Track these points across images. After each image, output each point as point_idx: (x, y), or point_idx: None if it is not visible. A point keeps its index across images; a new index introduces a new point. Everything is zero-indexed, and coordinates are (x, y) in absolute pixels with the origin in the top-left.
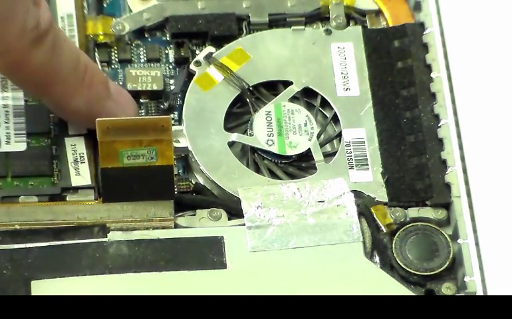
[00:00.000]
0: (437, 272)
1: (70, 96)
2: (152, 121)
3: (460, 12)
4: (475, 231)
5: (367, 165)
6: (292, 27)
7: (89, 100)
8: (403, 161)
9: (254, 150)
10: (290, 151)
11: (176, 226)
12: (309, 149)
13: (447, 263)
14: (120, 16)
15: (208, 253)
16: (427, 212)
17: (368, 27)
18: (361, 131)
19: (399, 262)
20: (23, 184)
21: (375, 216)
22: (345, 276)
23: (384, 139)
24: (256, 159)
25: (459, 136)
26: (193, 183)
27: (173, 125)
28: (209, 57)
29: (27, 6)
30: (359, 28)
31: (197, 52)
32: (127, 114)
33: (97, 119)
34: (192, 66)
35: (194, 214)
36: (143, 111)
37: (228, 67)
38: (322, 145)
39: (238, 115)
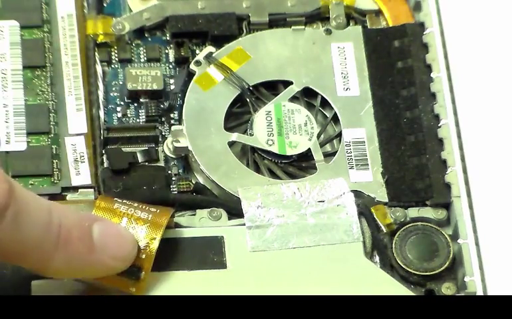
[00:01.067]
0: (437, 272)
1: (46, 262)
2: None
3: (460, 12)
4: (475, 231)
5: (367, 165)
6: (292, 27)
7: (68, 261)
8: (403, 161)
9: (254, 150)
10: (290, 151)
11: (176, 226)
12: (309, 149)
13: (447, 263)
14: (120, 16)
15: (208, 253)
16: (427, 212)
17: (368, 27)
18: (361, 131)
19: (399, 262)
20: (23, 184)
21: (375, 216)
22: (345, 276)
23: (384, 139)
24: (256, 159)
25: (459, 136)
26: (193, 183)
27: (173, 125)
28: (209, 57)
29: None
30: (359, 28)
31: (197, 52)
32: (120, 259)
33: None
34: (192, 66)
35: (194, 214)
36: (143, 111)
37: (228, 67)
38: (322, 145)
39: (238, 115)
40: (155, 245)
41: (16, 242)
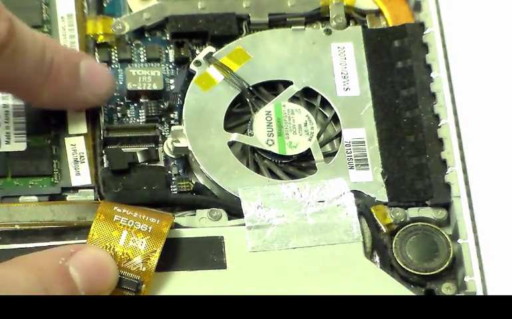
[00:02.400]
0: (437, 272)
1: (35, 94)
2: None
3: (460, 12)
4: (475, 231)
5: (367, 165)
6: (292, 27)
7: (55, 94)
8: (403, 161)
9: (254, 150)
10: (290, 151)
11: (176, 226)
12: (309, 149)
13: (447, 263)
14: (120, 16)
15: (208, 253)
16: (427, 212)
17: (368, 27)
18: (361, 131)
19: (399, 262)
20: (23, 184)
21: (375, 216)
22: (345, 276)
23: (384, 139)
24: (256, 159)
25: (459, 136)
26: (193, 183)
27: (173, 125)
28: (209, 57)
29: None
30: (359, 28)
31: (197, 52)
32: (99, 97)
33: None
34: (192, 66)
35: (194, 214)
36: (143, 111)
37: (228, 67)
38: (322, 145)
39: (238, 115)
40: (155, 258)
41: (12, 74)
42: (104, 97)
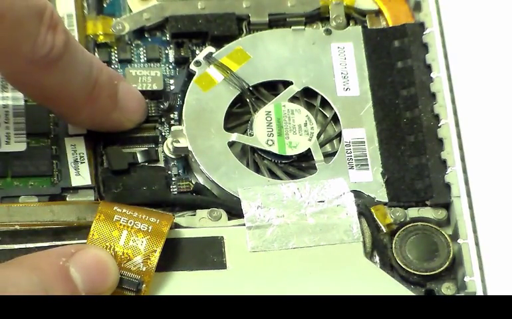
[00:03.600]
0: (437, 272)
1: (75, 112)
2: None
3: (460, 12)
4: (475, 231)
5: (367, 165)
6: (292, 27)
7: (93, 114)
8: (403, 161)
9: (254, 150)
10: (290, 151)
11: (176, 226)
12: (309, 149)
13: (447, 263)
14: (120, 16)
15: (208, 253)
16: (427, 212)
17: (368, 27)
18: (361, 131)
19: (399, 262)
20: (23, 184)
21: (375, 216)
22: (345, 276)
23: (384, 139)
24: (256, 159)
25: (459, 136)
26: (193, 183)
27: (173, 125)
28: (209, 57)
29: (34, 35)
30: (359, 28)
31: (197, 52)
32: (133, 121)
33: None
34: (192, 66)
35: (194, 214)
36: None
37: (228, 67)
38: (322, 145)
39: (238, 115)
40: (155, 258)
41: (59, 88)
42: (137, 122)
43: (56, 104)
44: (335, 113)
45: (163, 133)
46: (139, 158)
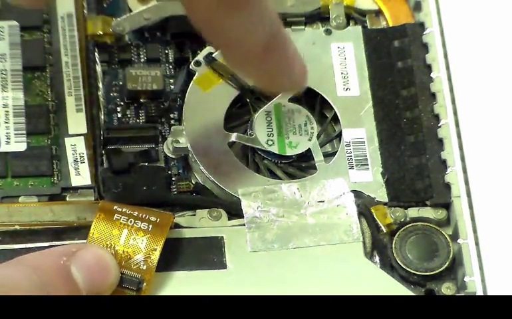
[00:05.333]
0: (437, 272)
1: (248, 61)
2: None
3: (460, 12)
4: (475, 231)
5: (367, 165)
6: (292, 27)
7: (264, 66)
8: (403, 161)
9: (254, 150)
10: (290, 151)
11: (176, 226)
12: (309, 149)
13: (447, 263)
14: (120, 17)
15: (208, 253)
16: (427, 212)
17: (368, 27)
18: (361, 131)
19: (399, 262)
20: (23, 184)
21: (375, 216)
22: (345, 276)
23: (384, 139)
24: (256, 159)
25: (459, 136)
26: (193, 183)
27: (173, 125)
28: (209, 57)
29: None
30: (359, 28)
31: (197, 52)
32: (297, 85)
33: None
34: (192, 66)
35: (194, 215)
36: (143, 111)
37: (228, 67)
38: (322, 145)
39: (238, 115)
40: (155, 256)
41: (238, 34)
42: (300, 87)
43: (234, 50)
44: (335, 113)
45: (163, 133)
46: (140, 158)
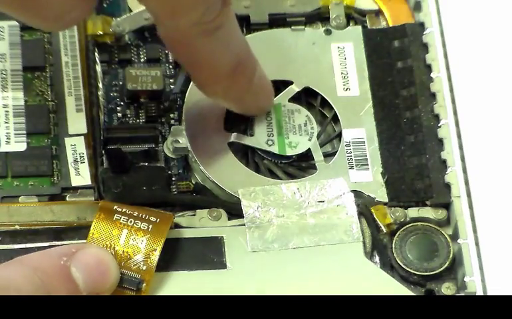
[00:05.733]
0: (437, 272)
1: (213, 82)
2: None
3: (460, 12)
4: (475, 231)
5: (367, 165)
6: (292, 27)
7: (229, 90)
8: (403, 161)
9: (254, 150)
10: (290, 151)
11: (176, 226)
12: (309, 149)
13: (447, 263)
14: (120, 16)
15: (208, 253)
16: (427, 212)
17: (368, 27)
18: (361, 131)
19: (399, 262)
20: (23, 184)
21: (375, 216)
22: (345, 276)
23: (384, 139)
24: (256, 159)
25: (459, 136)
26: (193, 183)
27: (173, 125)
28: None
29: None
30: (359, 28)
31: None
32: (261, 109)
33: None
34: None
35: (194, 215)
36: (143, 111)
37: None
38: (322, 145)
39: (238, 115)
40: (155, 256)
41: (208, 56)
42: (265, 110)
43: (200, 70)
44: (335, 113)
45: (163, 133)
46: (139, 158)
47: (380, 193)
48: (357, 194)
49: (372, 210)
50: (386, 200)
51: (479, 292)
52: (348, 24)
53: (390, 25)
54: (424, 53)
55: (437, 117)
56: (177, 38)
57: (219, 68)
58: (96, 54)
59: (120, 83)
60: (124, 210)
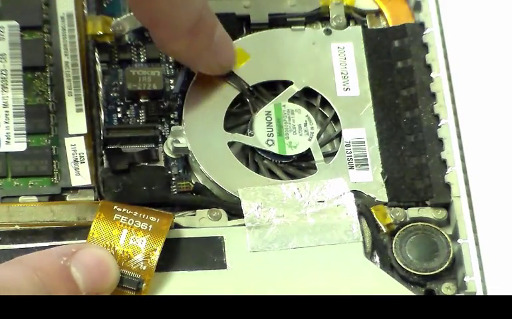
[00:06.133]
0: (437, 272)
1: (174, 39)
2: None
3: (460, 12)
4: (475, 231)
5: (367, 165)
6: (292, 27)
7: (189, 47)
8: (403, 161)
9: (254, 150)
10: (290, 151)
11: (176, 226)
12: (309, 149)
13: (447, 263)
14: (120, 16)
15: (208, 253)
16: (427, 212)
17: (368, 27)
18: (361, 131)
19: (399, 262)
20: (23, 184)
21: (375, 216)
22: (345, 276)
23: (384, 139)
24: (256, 159)
25: (459, 136)
26: (193, 183)
27: (173, 125)
28: None
29: None
30: (359, 28)
31: None
32: (222, 67)
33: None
34: None
35: (194, 215)
36: (143, 111)
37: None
38: (322, 145)
39: (238, 115)
40: (155, 256)
41: (167, 12)
42: (226, 69)
43: (160, 27)
44: (335, 113)
45: (163, 133)
46: (139, 158)
47: (380, 193)
48: (357, 194)
49: (372, 210)
50: (386, 200)
51: (479, 292)
52: (348, 24)
53: (390, 25)
54: (424, 53)
55: (437, 117)
56: None
57: (179, 24)
58: (96, 54)
59: (120, 83)
60: (124, 210)
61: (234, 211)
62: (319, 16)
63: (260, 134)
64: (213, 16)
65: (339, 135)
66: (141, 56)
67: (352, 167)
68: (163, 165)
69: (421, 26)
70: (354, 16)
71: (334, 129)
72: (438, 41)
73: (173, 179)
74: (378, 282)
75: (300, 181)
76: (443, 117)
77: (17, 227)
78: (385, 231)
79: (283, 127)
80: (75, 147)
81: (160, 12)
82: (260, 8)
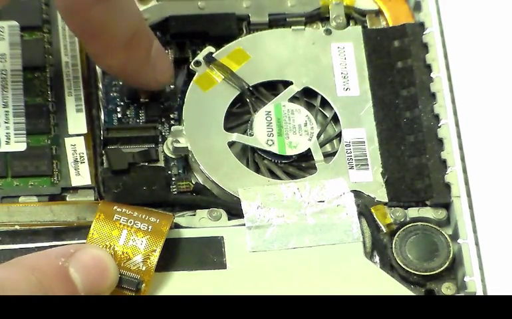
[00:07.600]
0: (437, 272)
1: (110, 53)
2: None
3: (460, 12)
4: (475, 231)
5: (367, 165)
6: (292, 27)
7: (125, 62)
8: (403, 161)
9: (254, 150)
10: (290, 151)
11: (176, 226)
12: (309, 149)
13: (447, 263)
14: None
15: (208, 253)
16: (427, 212)
17: (368, 27)
18: (361, 131)
19: (399, 262)
20: (23, 184)
21: (375, 216)
22: (345, 276)
23: (384, 139)
24: (256, 159)
25: (459, 136)
26: (193, 183)
27: (173, 125)
28: (209, 57)
29: None
30: (359, 28)
31: (197, 52)
32: (159, 82)
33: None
34: (192, 66)
35: (194, 215)
36: (143, 111)
37: (228, 67)
38: (322, 145)
39: (238, 115)
40: (155, 257)
41: (102, 25)
42: (163, 84)
43: (95, 40)
44: (335, 113)
45: (163, 133)
46: (139, 158)
47: (380, 193)
48: (357, 194)
49: (372, 210)
50: (386, 200)
51: (479, 292)
52: (348, 24)
53: (390, 25)
54: (424, 53)
55: (437, 117)
56: (71, 6)
57: (114, 38)
58: None
59: (120, 83)
60: (123, 210)
61: (234, 211)
62: (319, 16)
63: (261, 134)
64: (150, 32)
65: (339, 135)
66: None
67: (352, 167)
68: (163, 165)
69: (421, 26)
70: (354, 16)
71: (334, 129)
72: (438, 41)
73: (173, 179)
74: (378, 282)
75: (300, 181)
76: (443, 117)
77: (17, 227)
78: (385, 231)
79: (283, 127)
80: (75, 147)
81: (95, 25)
82: (260, 8)
